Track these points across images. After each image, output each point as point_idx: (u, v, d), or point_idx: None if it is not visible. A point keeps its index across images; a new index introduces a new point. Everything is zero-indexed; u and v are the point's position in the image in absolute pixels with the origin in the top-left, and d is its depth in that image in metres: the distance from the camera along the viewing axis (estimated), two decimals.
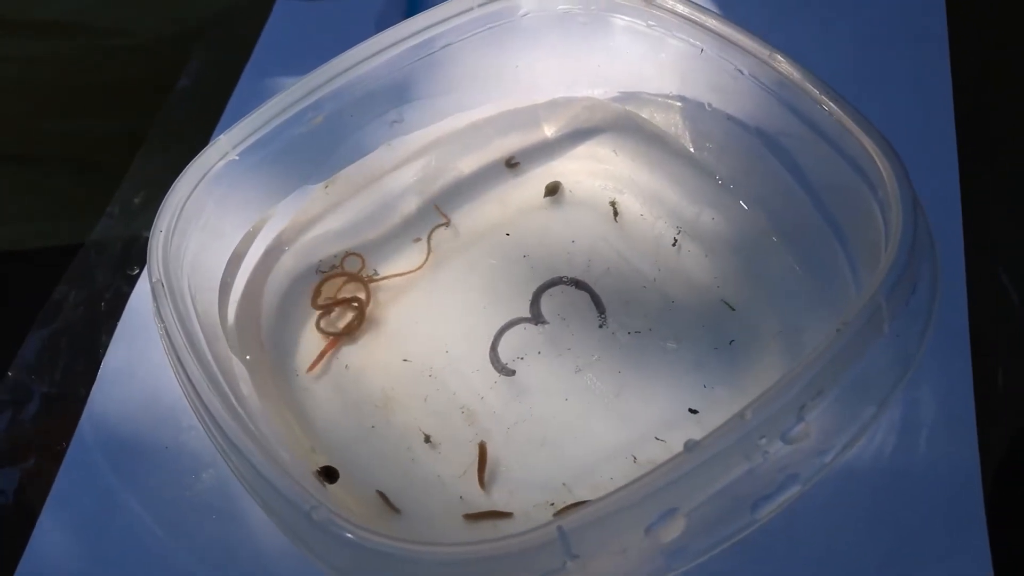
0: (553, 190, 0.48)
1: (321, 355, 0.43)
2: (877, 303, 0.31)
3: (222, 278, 0.42)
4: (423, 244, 0.47)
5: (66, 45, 0.66)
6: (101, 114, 0.70)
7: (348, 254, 0.46)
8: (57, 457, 0.42)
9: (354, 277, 0.46)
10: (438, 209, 0.48)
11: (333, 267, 0.46)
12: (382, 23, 0.61)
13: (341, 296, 0.45)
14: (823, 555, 0.37)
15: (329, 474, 0.38)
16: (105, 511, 0.41)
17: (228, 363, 0.39)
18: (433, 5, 0.45)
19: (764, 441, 0.30)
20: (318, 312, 0.45)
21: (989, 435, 0.38)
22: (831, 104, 0.38)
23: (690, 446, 0.29)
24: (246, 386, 0.39)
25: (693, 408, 0.39)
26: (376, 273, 0.46)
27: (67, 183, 0.70)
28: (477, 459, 0.39)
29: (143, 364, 0.45)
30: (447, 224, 0.47)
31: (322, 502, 0.31)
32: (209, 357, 0.37)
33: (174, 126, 0.56)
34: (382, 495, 0.38)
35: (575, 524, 0.28)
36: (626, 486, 0.29)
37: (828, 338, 0.31)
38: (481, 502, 0.38)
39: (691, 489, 0.29)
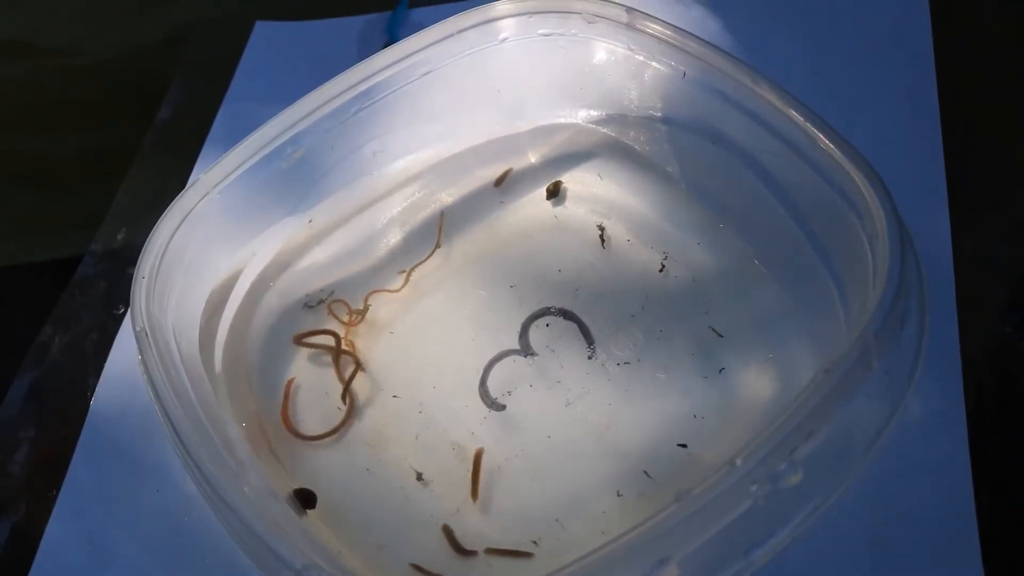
0: (555, 191, 0.48)
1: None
2: (866, 342, 0.31)
3: (207, 319, 0.42)
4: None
5: (23, 66, 0.65)
6: (67, 134, 0.69)
7: (333, 300, 0.46)
8: (48, 504, 0.42)
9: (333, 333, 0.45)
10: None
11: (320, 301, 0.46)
12: (363, 42, 0.60)
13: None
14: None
15: (307, 499, 0.38)
16: (99, 557, 0.41)
17: (216, 408, 0.38)
18: (412, 22, 0.45)
19: (755, 488, 0.29)
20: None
21: (982, 474, 0.37)
22: (815, 131, 0.38)
23: (680, 495, 0.29)
24: (234, 431, 0.38)
25: (682, 443, 0.39)
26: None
27: (32, 200, 0.69)
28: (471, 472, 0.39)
29: (132, 406, 0.44)
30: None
31: (314, 559, 0.30)
32: (196, 405, 0.36)
33: (155, 159, 0.56)
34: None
35: None
36: (617, 538, 0.29)
37: (817, 379, 0.31)
38: (474, 539, 0.38)
39: (683, 538, 0.29)
